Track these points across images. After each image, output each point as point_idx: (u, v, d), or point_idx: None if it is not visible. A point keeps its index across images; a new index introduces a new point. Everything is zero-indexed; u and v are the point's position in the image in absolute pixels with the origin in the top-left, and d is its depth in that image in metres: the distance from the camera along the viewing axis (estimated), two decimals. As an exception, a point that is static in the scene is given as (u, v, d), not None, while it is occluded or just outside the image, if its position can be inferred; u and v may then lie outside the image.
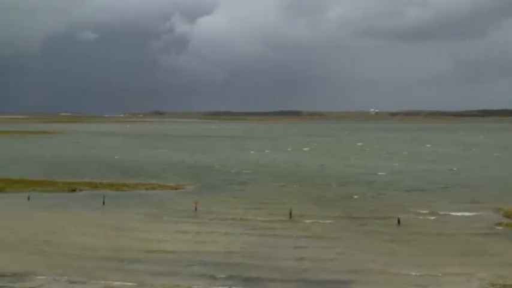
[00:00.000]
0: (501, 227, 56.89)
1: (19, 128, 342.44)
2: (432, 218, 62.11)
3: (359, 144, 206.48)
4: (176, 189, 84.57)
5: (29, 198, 72.79)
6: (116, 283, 38.04)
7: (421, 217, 62.45)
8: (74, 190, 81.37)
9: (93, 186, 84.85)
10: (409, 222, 59.02)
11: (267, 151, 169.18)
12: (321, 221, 59.81)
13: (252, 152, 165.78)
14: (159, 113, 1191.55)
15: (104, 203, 69.87)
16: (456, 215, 63.41)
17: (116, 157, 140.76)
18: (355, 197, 76.95)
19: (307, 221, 60.20)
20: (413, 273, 40.62)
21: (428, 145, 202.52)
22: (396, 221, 58.80)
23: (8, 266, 41.68)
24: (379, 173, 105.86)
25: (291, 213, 63.00)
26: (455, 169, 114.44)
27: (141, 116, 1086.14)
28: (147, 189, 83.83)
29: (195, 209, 66.05)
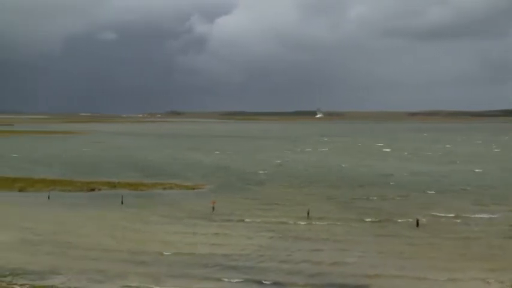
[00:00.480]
0: (523, 230, 55.93)
1: (41, 128, 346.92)
2: (452, 219, 61.30)
3: (379, 144, 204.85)
4: (194, 189, 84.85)
5: (49, 198, 73.75)
6: (133, 283, 38.26)
7: (440, 219, 61.64)
8: (92, 189, 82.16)
9: (112, 185, 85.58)
10: (428, 224, 58.32)
11: (284, 151, 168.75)
12: (339, 222, 59.45)
13: (270, 152, 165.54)
14: (176, 113, 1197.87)
15: (122, 202, 70.43)
16: (477, 217, 62.49)
17: (138, 157, 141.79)
18: (374, 198, 76.31)
19: (325, 222, 59.91)
20: (432, 277, 39.95)
21: (448, 145, 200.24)
22: (415, 223, 58.19)
23: (30, 264, 42.27)
24: (399, 174, 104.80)
25: (308, 214, 62.80)
26: (477, 170, 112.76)
27: (159, 116, 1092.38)
28: (164, 188, 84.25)
29: (213, 209, 66.15)
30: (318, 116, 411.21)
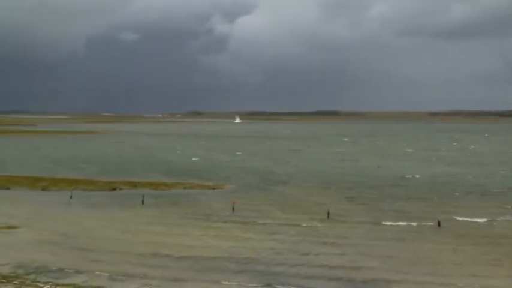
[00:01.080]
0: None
1: (63, 128, 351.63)
2: (476, 221, 60.05)
3: (400, 144, 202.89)
4: (214, 189, 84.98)
5: (71, 197, 74.56)
6: (153, 282, 38.37)
7: (463, 220, 60.50)
8: (114, 189, 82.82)
9: (133, 185, 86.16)
10: (450, 226, 57.38)
11: (304, 152, 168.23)
12: (359, 223, 58.88)
13: (290, 152, 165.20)
14: (197, 113, 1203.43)
15: (143, 202, 70.83)
16: (502, 220, 61.24)
17: (159, 156, 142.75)
18: (396, 199, 75.41)
19: (346, 223, 59.37)
20: (453, 282, 38.87)
21: (472, 146, 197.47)
22: (437, 224, 57.38)
23: (53, 262, 42.73)
24: (421, 175, 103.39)
25: (328, 215, 62.36)
26: (502, 172, 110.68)
27: (179, 116, 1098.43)
28: (185, 188, 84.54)
29: (233, 209, 66.13)
30: (236, 121, 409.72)
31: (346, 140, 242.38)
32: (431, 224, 58.13)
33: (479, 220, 60.64)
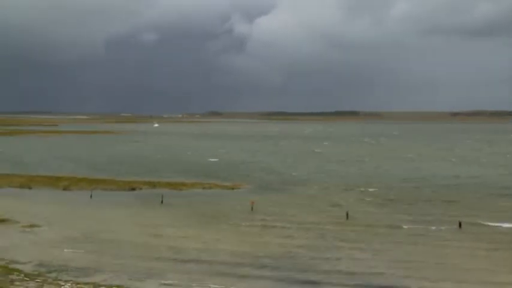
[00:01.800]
0: None
1: (83, 128, 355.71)
2: (498, 225, 58.71)
3: (423, 144, 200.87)
4: (233, 188, 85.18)
5: (91, 196, 75.43)
6: (172, 281, 38.62)
7: (485, 224, 59.43)
8: (133, 189, 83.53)
9: (152, 185, 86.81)
10: (472, 229, 56.50)
11: (325, 151, 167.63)
12: (378, 225, 58.41)
13: (310, 152, 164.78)
14: (216, 114, 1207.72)
15: (162, 202, 71.36)
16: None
17: (178, 156, 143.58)
18: (416, 200, 74.50)
19: (364, 224, 58.92)
20: None
21: (495, 147, 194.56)
22: (458, 226, 56.67)
23: (73, 261, 43.30)
24: (445, 176, 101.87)
25: (347, 215, 62.06)
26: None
27: (198, 116, 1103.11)
28: (204, 188, 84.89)
29: (252, 209, 66.22)
30: (155, 125, 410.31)
31: (366, 140, 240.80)
32: (452, 226, 57.24)
33: (503, 224, 59.05)
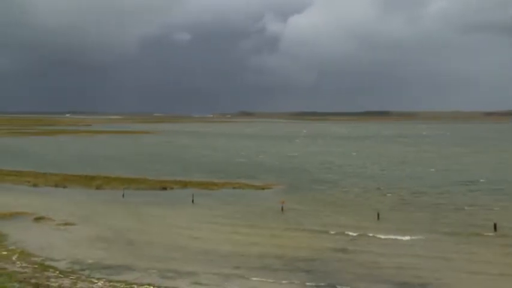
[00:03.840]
0: None
1: (115, 128, 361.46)
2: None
3: (457, 145, 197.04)
4: (264, 188, 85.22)
5: (123, 196, 76.62)
6: (203, 281, 38.91)
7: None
8: (164, 188, 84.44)
9: (183, 184, 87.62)
10: (509, 231, 55.07)
11: (356, 153, 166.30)
12: (410, 227, 57.35)
13: (340, 154, 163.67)
14: (246, 114, 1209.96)
15: (193, 201, 71.96)
16: None
17: (208, 156, 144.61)
18: (452, 203, 72.06)
19: (395, 226, 58.07)
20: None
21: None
22: (492, 227, 55.30)
23: (106, 259, 44.07)
24: (486, 179, 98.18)
25: (378, 216, 61.38)
26: None
27: (230, 116, 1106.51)
28: (234, 188, 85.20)
29: (282, 209, 66.15)
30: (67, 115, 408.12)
31: (400, 140, 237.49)
32: (489, 233, 55.40)
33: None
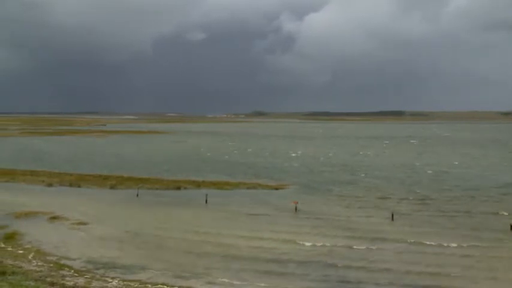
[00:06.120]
0: None
1: (129, 128, 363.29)
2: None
3: (473, 146, 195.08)
4: (277, 189, 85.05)
5: (137, 195, 76.94)
6: (218, 279, 38.91)
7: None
8: (178, 188, 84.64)
9: (197, 184, 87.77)
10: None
11: (369, 154, 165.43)
12: (424, 227, 56.87)
13: (354, 154, 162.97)
14: (260, 114, 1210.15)
15: (206, 201, 72.00)
16: None
17: (221, 156, 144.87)
18: (466, 204, 71.65)
19: (409, 225, 57.59)
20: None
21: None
22: (509, 227, 54.63)
23: (120, 258, 44.28)
24: (503, 180, 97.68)
25: (392, 216, 60.94)
26: None
27: (243, 116, 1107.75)
28: (248, 188, 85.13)
29: (295, 209, 65.96)
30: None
31: (413, 141, 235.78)
32: (505, 226, 55.19)
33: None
